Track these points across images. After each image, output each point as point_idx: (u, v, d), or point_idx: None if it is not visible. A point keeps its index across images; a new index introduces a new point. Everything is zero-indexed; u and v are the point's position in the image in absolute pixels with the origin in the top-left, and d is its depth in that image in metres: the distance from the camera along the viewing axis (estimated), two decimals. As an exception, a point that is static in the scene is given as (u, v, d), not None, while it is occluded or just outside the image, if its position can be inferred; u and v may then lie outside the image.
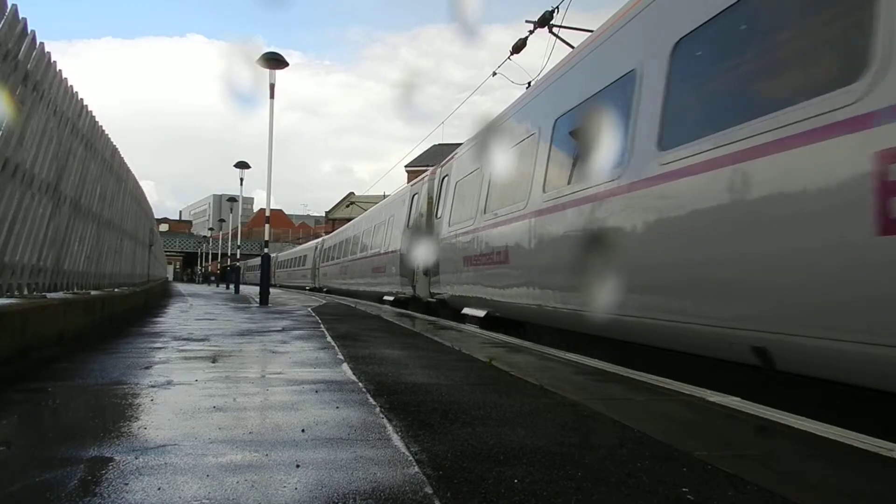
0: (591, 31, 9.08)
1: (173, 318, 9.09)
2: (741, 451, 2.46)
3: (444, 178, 11.83)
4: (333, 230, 39.02)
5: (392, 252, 15.54)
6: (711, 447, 2.48)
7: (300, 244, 53.11)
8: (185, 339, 5.96)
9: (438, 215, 11.71)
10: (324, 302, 16.13)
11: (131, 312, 9.12)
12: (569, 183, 6.21)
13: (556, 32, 11.89)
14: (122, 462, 2.04)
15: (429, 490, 1.84)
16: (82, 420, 2.72)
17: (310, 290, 32.54)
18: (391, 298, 15.50)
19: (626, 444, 2.42)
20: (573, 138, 6.59)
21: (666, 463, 2.19)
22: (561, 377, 4.25)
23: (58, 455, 2.11)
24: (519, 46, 12.98)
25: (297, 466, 2.04)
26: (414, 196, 14.30)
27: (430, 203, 12.57)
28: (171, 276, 45.83)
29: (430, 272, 11.73)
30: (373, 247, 18.37)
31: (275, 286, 39.11)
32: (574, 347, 5.80)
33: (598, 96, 5.84)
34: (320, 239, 36.16)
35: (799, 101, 3.36)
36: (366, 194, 47.48)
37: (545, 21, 11.92)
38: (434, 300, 11.68)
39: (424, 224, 12.58)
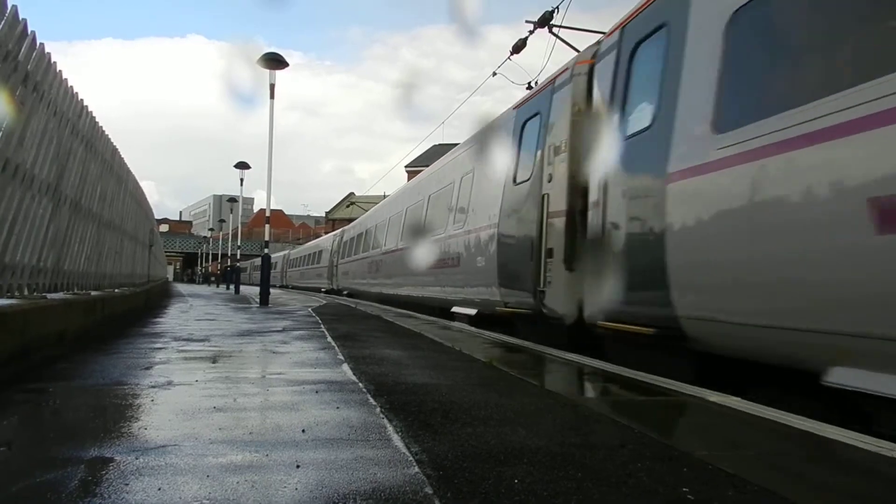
0: (591, 31, 9.02)
1: (173, 319, 9.09)
2: (741, 451, 2.46)
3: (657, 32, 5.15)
4: (333, 230, 38.08)
5: (477, 232, 8.87)
6: (711, 447, 2.48)
7: (300, 244, 52.16)
8: (185, 340, 5.96)
9: (634, 128, 5.23)
10: (324, 302, 16.12)
11: (131, 313, 9.12)
12: None
13: (556, 32, 11.90)
14: (122, 462, 2.04)
15: (429, 490, 1.84)
16: (83, 420, 2.72)
17: (326, 292, 26.51)
18: (471, 312, 9.14)
19: (627, 445, 2.42)
20: None
21: (666, 463, 2.19)
22: (561, 377, 4.26)
23: (58, 455, 2.11)
24: (519, 46, 12.99)
25: (298, 467, 2.04)
26: (526, 124, 7.65)
27: (578, 123, 6.30)
28: (171, 277, 45.80)
29: (604, 261, 5.49)
30: (430, 229, 11.77)
31: (285, 287, 37.24)
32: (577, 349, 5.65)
33: None
34: (339, 230, 28.85)
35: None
36: (366, 194, 47.40)
37: (545, 21, 11.93)
38: (608, 328, 5.32)
39: (569, 167, 6.28)
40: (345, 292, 23.08)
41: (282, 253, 48.05)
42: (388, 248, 15.72)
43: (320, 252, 31.83)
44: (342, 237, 25.69)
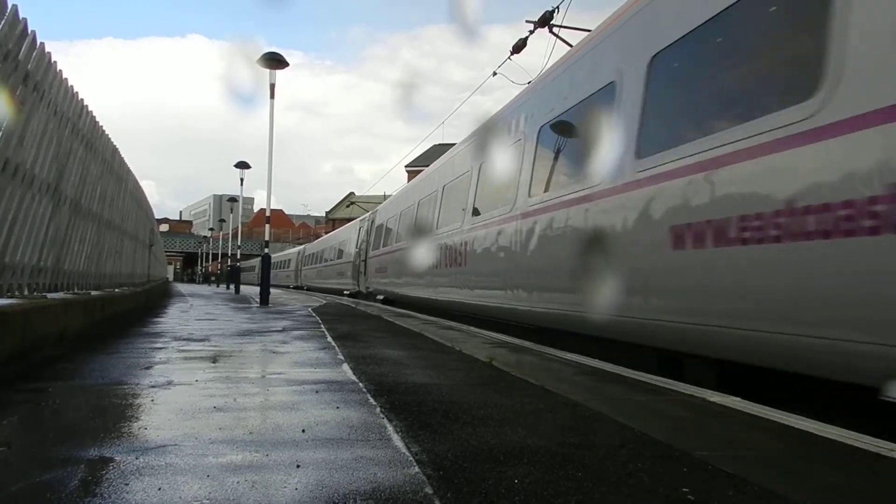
0: (591, 31, 8.96)
1: (174, 319, 9.09)
2: (741, 451, 2.46)
3: None
4: (334, 230, 37.39)
5: None
6: (711, 447, 2.48)
7: (301, 244, 51.40)
8: (185, 340, 5.96)
9: None
10: (324, 302, 16.11)
11: (132, 312, 9.12)
12: None
13: (557, 32, 11.89)
14: (122, 462, 2.04)
15: (429, 490, 1.84)
16: (83, 420, 2.72)
17: (350, 295, 20.80)
18: None
19: (627, 444, 2.42)
20: None
21: (666, 463, 2.19)
22: (561, 377, 4.26)
23: (58, 455, 2.11)
24: (519, 46, 12.97)
25: (298, 466, 2.05)
26: None
27: None
28: (171, 277, 45.76)
29: None
30: (591, 170, 5.42)
31: (300, 289, 34.28)
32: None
33: None
34: (368, 214, 21.19)
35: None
36: (366, 194, 47.27)
37: (545, 21, 11.92)
38: None
39: None
40: (379, 297, 16.19)
41: (296, 249, 45.20)
42: (487, 219, 8.36)
43: (341, 244, 24.76)
44: (373, 221, 18.57)
